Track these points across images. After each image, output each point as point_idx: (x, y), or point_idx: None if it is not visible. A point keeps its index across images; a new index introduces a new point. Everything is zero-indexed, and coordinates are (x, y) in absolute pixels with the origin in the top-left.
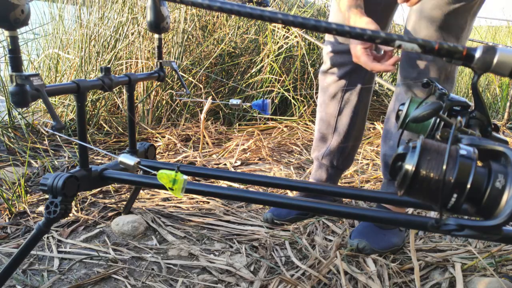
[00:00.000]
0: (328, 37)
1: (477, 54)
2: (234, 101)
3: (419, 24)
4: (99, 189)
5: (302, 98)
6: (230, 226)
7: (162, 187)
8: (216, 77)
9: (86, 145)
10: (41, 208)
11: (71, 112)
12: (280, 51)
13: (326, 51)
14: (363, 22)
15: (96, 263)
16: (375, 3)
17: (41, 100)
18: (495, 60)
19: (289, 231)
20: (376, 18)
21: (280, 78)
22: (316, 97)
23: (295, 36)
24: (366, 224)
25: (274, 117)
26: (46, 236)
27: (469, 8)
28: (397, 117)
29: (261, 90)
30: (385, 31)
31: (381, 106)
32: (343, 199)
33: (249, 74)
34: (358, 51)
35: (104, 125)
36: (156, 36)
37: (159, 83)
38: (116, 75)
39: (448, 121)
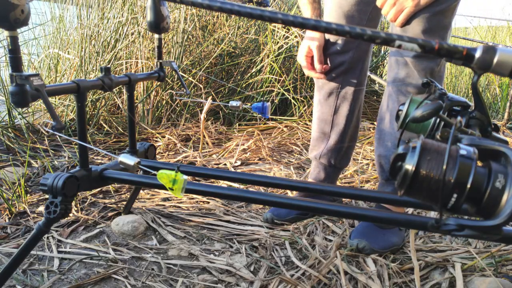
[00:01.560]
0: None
1: (477, 54)
2: (234, 103)
3: (405, 27)
4: (99, 189)
5: (302, 98)
6: (230, 226)
7: (162, 187)
8: (215, 79)
9: (86, 145)
10: (41, 208)
11: (71, 112)
12: (280, 51)
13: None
14: (314, 42)
15: (96, 263)
16: (366, 3)
17: (41, 100)
18: (495, 60)
19: (289, 231)
20: (367, 17)
21: (280, 78)
22: None
23: (295, 36)
24: (365, 224)
25: (274, 117)
26: (46, 236)
27: (452, 8)
28: (397, 117)
29: (261, 90)
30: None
31: None
32: (343, 199)
33: (249, 74)
34: (301, 57)
35: (104, 125)
36: (156, 36)
37: (159, 83)
38: (116, 75)
39: (448, 121)
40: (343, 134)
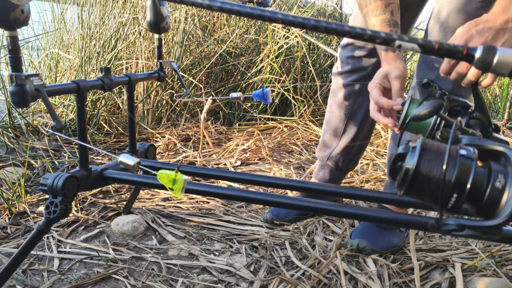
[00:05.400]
0: (347, 40)
1: (477, 54)
2: (235, 94)
3: (450, 17)
4: (99, 189)
5: (302, 98)
6: (230, 226)
7: (162, 187)
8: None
9: (86, 145)
10: (41, 208)
11: (71, 112)
12: (280, 51)
13: (346, 54)
14: (395, 70)
15: (96, 263)
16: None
17: (41, 100)
18: (495, 60)
19: (289, 231)
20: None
21: (280, 78)
22: (316, 98)
23: (295, 36)
24: (366, 224)
25: (274, 117)
26: (46, 236)
27: None
28: (398, 117)
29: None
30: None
31: None
32: (343, 199)
33: (249, 74)
34: (371, 104)
35: (104, 125)
36: (156, 36)
37: (159, 83)
38: (116, 75)
39: (448, 119)
40: (354, 139)
